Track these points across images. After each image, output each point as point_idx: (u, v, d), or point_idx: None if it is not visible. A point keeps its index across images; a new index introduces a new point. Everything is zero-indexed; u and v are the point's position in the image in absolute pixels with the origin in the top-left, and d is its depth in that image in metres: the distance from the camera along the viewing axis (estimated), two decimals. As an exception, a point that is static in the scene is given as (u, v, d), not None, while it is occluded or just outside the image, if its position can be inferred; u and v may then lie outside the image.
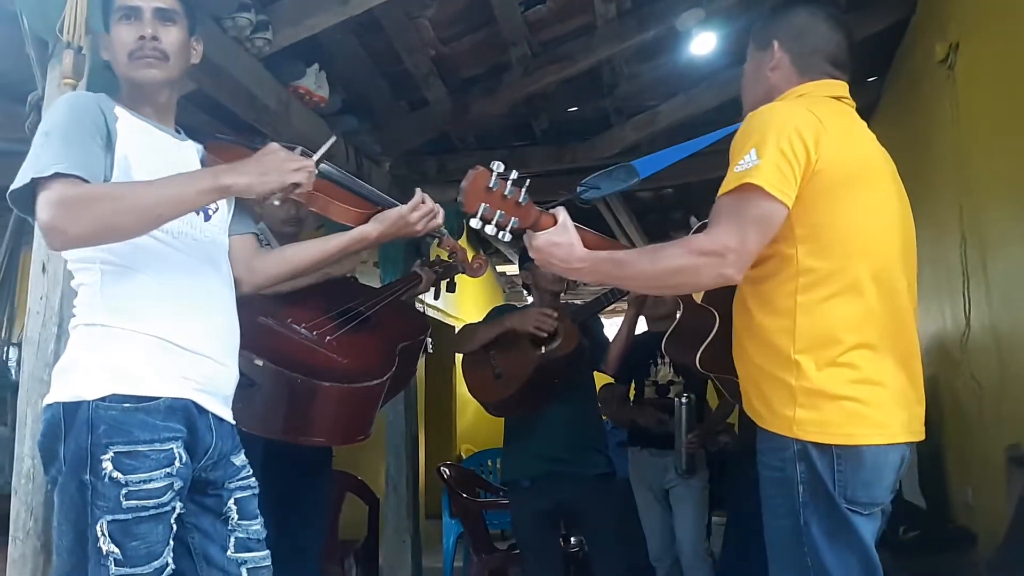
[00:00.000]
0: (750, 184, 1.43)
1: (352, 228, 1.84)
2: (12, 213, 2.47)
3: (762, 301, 1.55)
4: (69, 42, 1.91)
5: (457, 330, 3.20)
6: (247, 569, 1.59)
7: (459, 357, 3.13)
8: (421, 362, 2.49)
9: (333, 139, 1.77)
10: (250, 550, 1.61)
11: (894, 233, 1.60)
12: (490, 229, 1.49)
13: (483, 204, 1.47)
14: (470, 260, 2.41)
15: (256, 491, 1.67)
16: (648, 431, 3.49)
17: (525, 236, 1.56)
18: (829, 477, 1.48)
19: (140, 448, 1.43)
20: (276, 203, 1.59)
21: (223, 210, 1.73)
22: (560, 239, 1.53)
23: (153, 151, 1.59)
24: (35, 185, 1.41)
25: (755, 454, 1.83)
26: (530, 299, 3.25)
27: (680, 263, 1.47)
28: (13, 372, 2.55)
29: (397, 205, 1.85)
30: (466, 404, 8.08)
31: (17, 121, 2.26)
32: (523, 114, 4.51)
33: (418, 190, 1.88)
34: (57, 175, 1.39)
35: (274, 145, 1.56)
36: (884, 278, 1.54)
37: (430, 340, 2.47)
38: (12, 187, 1.43)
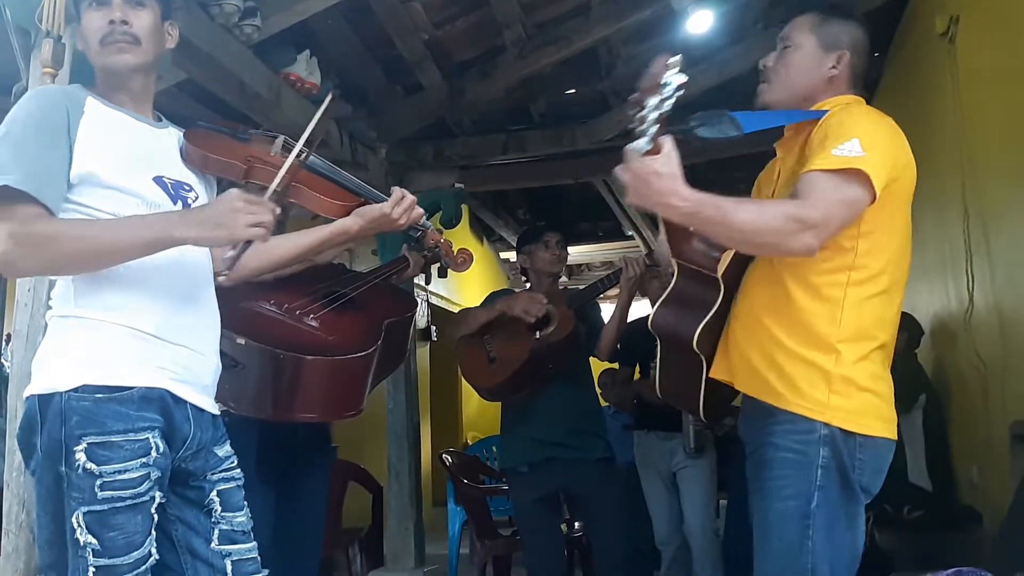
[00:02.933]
0: (857, 170, 1.49)
1: (334, 220, 1.83)
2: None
3: (807, 285, 1.58)
4: (48, 31, 1.90)
5: (456, 315, 3.19)
6: (232, 561, 1.56)
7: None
8: (426, 349, 2.48)
9: (315, 121, 1.74)
10: (235, 542, 1.58)
11: (911, 242, 1.68)
12: (642, 128, 1.37)
13: (654, 98, 1.36)
14: (455, 253, 2.37)
15: (241, 482, 1.65)
16: (654, 413, 3.46)
17: (626, 155, 1.41)
18: (850, 464, 1.54)
19: (114, 439, 1.41)
20: (229, 251, 1.50)
21: (202, 199, 1.70)
22: (664, 169, 1.41)
23: (127, 142, 1.56)
24: None
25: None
26: (528, 284, 3.23)
27: (780, 224, 1.48)
28: (6, 366, 2.55)
29: (382, 197, 1.84)
30: (472, 391, 8.07)
31: (3, 111, 2.25)
32: (520, 98, 4.47)
33: (396, 187, 1.88)
34: (7, 188, 1.37)
35: (233, 192, 1.49)
36: (903, 284, 1.66)
37: (434, 327, 2.45)
38: None
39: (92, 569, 1.38)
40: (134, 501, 1.41)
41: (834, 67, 1.71)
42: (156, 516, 1.46)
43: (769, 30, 4.15)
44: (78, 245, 1.41)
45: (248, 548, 1.60)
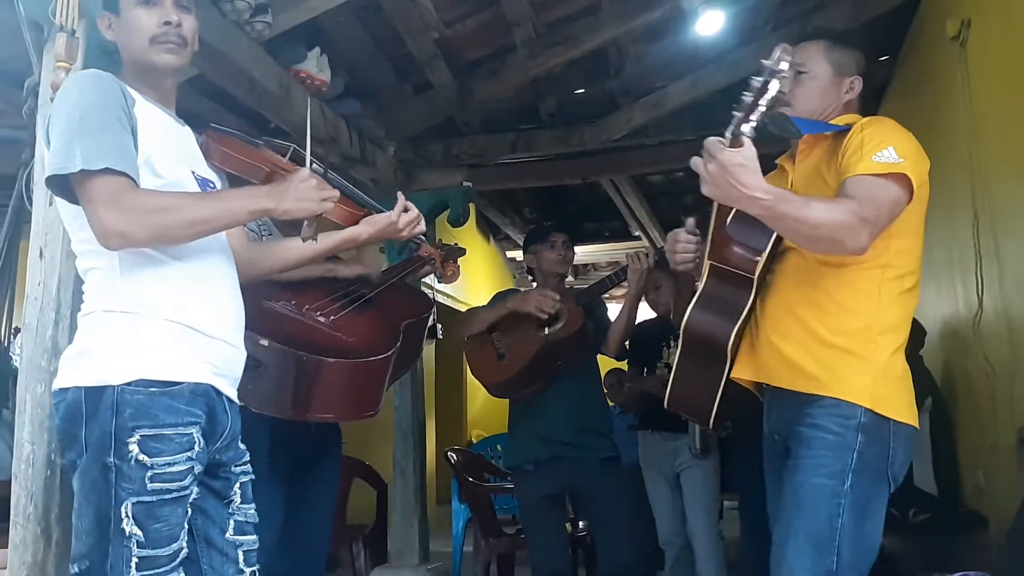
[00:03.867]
0: (900, 174, 1.61)
1: (344, 228, 1.94)
2: (11, 199, 2.49)
3: (844, 281, 1.69)
4: (62, 25, 1.90)
5: (464, 312, 3.21)
6: (242, 552, 1.61)
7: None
8: (431, 347, 2.53)
9: (309, 131, 1.97)
10: (245, 533, 1.63)
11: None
12: (765, 101, 1.40)
13: (776, 82, 1.38)
14: (444, 268, 2.46)
15: (253, 477, 1.70)
16: (659, 414, 3.46)
17: (710, 147, 1.46)
18: (885, 450, 1.65)
19: (166, 431, 1.45)
20: (308, 231, 1.70)
21: None
22: (749, 163, 1.46)
23: (167, 136, 1.63)
24: (81, 175, 1.44)
25: (758, 439, 1.85)
26: (534, 284, 3.24)
27: (844, 219, 1.55)
28: (14, 359, 2.57)
29: (383, 210, 1.98)
30: (477, 389, 8.07)
31: (19, 106, 2.26)
32: (529, 97, 4.47)
33: (400, 194, 1.99)
34: (108, 171, 1.43)
35: (305, 171, 1.67)
36: (919, 286, 1.77)
37: (440, 325, 2.49)
38: (52, 171, 1.46)
39: (135, 559, 1.41)
40: (179, 494, 1.46)
41: (848, 91, 1.87)
42: (189, 510, 1.51)
43: (779, 32, 4.15)
44: (183, 215, 1.49)
45: (254, 540, 1.65)
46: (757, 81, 1.38)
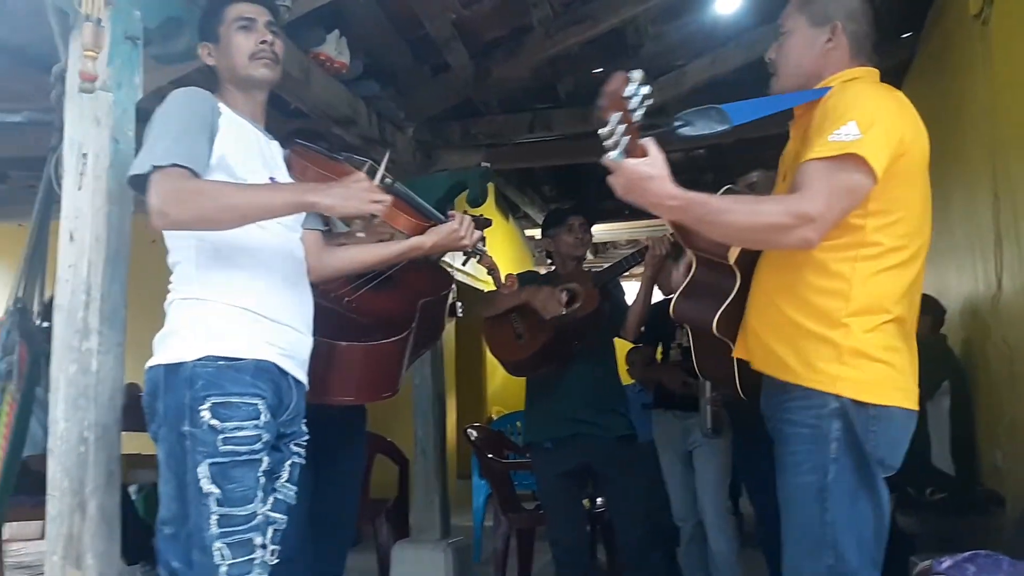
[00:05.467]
0: (853, 155, 1.48)
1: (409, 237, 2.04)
2: (40, 182, 2.55)
3: (815, 264, 1.59)
4: (88, 15, 1.94)
5: (483, 295, 3.24)
6: (274, 529, 1.70)
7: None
8: (452, 325, 2.57)
9: (388, 153, 2.05)
10: (279, 512, 1.73)
11: (930, 212, 1.67)
12: (610, 142, 1.42)
13: (616, 113, 1.39)
14: (503, 278, 2.54)
15: (304, 462, 1.84)
16: (673, 393, 3.50)
17: (611, 162, 1.45)
18: (864, 435, 1.55)
19: (232, 400, 1.62)
20: (357, 225, 1.85)
21: None
22: (653, 171, 1.47)
23: (248, 146, 1.79)
24: (152, 171, 1.61)
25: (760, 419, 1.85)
26: (552, 267, 3.26)
27: (776, 220, 1.50)
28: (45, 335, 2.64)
29: (446, 220, 2.08)
30: (496, 367, 8.07)
31: (44, 90, 2.31)
32: (547, 76, 4.46)
33: (456, 212, 2.11)
34: (174, 165, 1.60)
35: (359, 174, 1.78)
36: (922, 256, 1.65)
37: (460, 303, 2.51)
38: (133, 171, 1.65)
39: (215, 516, 1.57)
40: (249, 457, 1.61)
41: (829, 40, 1.70)
42: (264, 479, 1.64)
43: (799, 9, 4.11)
44: (224, 201, 1.63)
45: (284, 520, 1.74)
46: (599, 113, 1.40)
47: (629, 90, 1.38)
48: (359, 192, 1.70)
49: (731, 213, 1.53)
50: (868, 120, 1.51)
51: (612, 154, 1.43)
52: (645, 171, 1.45)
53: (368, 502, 4.05)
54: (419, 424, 4.30)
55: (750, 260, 1.76)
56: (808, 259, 1.60)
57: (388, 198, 1.77)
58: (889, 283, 1.60)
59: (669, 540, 3.57)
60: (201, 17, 1.99)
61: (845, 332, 1.57)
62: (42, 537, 1.92)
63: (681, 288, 1.85)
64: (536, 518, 3.97)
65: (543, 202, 7.37)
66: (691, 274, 1.85)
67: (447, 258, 2.73)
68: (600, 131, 1.42)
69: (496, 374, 8.44)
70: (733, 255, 1.75)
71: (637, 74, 1.39)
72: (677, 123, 1.57)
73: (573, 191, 7.05)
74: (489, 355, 8.24)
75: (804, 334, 1.61)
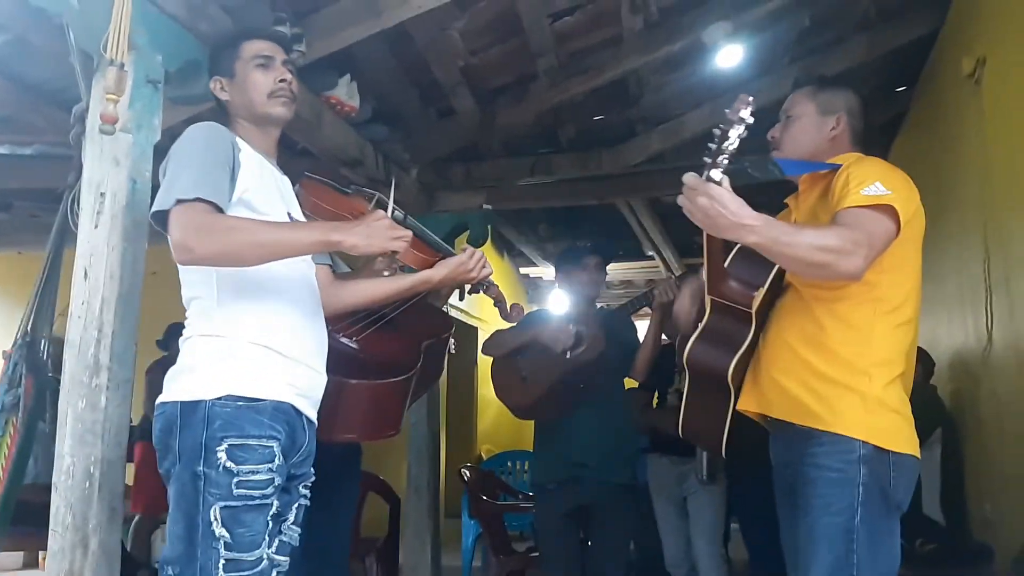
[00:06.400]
0: (888, 206, 1.65)
1: (417, 271, 2.03)
2: (57, 213, 2.58)
3: (837, 316, 1.73)
4: (112, 60, 1.99)
5: (490, 334, 3.26)
6: (277, 572, 1.68)
7: (485, 359, 3.19)
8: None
9: (394, 184, 2.03)
10: (283, 554, 1.71)
11: (921, 283, 1.82)
12: (719, 159, 1.48)
13: (735, 131, 1.45)
14: (509, 308, 2.51)
15: (309, 504, 1.82)
16: (669, 438, 3.51)
17: (698, 180, 1.50)
18: (886, 480, 1.68)
19: (250, 442, 1.59)
20: (382, 263, 1.91)
21: None
22: (733, 195, 1.52)
23: (266, 182, 1.79)
24: (175, 205, 1.59)
25: (761, 462, 1.90)
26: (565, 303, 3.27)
27: (835, 243, 1.59)
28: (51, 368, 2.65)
29: (455, 254, 2.06)
30: (487, 405, 8.13)
31: (57, 125, 2.36)
32: (549, 122, 4.55)
33: (467, 246, 2.09)
34: (198, 200, 1.58)
35: (380, 212, 1.79)
36: (917, 320, 1.80)
37: (453, 340, 2.53)
38: (156, 208, 1.62)
39: (223, 561, 1.54)
40: (261, 501, 1.59)
41: (834, 128, 1.90)
42: (272, 524, 1.62)
43: (795, 64, 4.22)
44: (248, 237, 1.61)
45: (287, 562, 1.72)
46: (719, 129, 1.46)
47: (745, 112, 1.45)
48: (381, 230, 1.71)
49: (802, 234, 1.61)
50: (891, 184, 1.68)
51: (715, 172, 1.48)
52: (730, 193, 1.51)
53: (359, 540, 4.04)
54: (413, 462, 4.30)
55: (765, 311, 1.85)
56: (829, 311, 1.73)
57: (408, 233, 1.77)
58: (900, 338, 1.74)
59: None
60: (212, 50, 1.97)
61: (868, 381, 1.69)
62: (23, 567, 1.91)
63: (697, 333, 1.90)
64: (527, 560, 3.96)
65: (538, 240, 7.44)
66: (705, 320, 1.89)
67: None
68: (717, 146, 1.47)
69: (486, 412, 8.42)
70: (756, 303, 1.82)
71: (751, 99, 1.46)
72: (746, 163, 1.66)
73: (568, 230, 7.13)
74: (480, 393, 8.25)
75: (828, 381, 1.71)
